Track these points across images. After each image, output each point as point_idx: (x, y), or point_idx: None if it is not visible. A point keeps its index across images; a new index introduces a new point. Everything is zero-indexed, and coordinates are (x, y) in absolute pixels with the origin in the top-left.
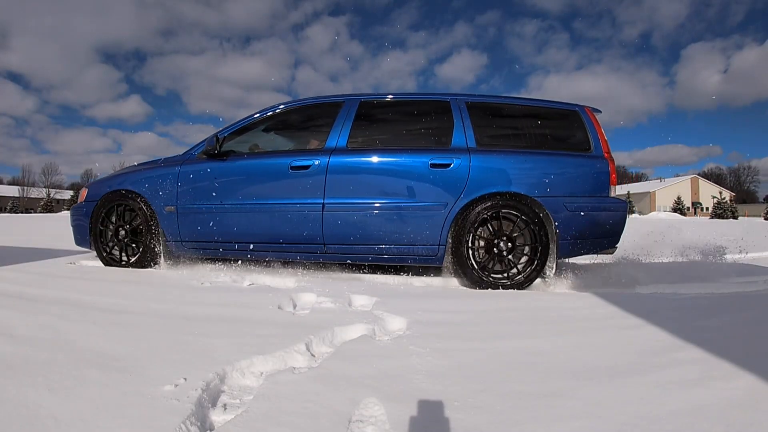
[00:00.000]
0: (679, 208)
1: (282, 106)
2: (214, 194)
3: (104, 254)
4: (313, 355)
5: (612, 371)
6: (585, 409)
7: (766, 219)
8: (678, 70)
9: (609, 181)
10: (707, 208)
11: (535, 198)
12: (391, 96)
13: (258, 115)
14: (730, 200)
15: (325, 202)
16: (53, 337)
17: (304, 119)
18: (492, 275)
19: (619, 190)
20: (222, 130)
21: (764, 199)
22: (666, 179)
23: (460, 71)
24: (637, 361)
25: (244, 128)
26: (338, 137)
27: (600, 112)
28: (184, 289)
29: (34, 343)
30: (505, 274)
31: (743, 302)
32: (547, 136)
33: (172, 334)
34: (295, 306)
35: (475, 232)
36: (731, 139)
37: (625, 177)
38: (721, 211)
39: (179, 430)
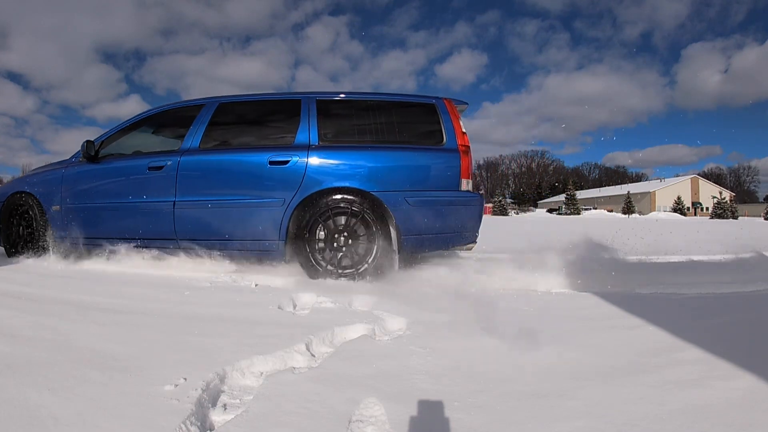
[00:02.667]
0: (679, 208)
1: (153, 111)
2: (88, 194)
3: (8, 247)
4: (313, 355)
5: (612, 371)
6: (585, 409)
7: (766, 219)
8: (678, 70)
9: (459, 174)
10: (707, 208)
11: (373, 193)
12: (248, 97)
13: (131, 120)
14: (730, 200)
15: (176, 200)
16: (53, 337)
17: (176, 122)
18: (329, 268)
19: (620, 190)
20: (100, 135)
21: (764, 199)
22: (666, 179)
23: (461, 71)
24: (637, 361)
25: (119, 132)
26: (192, 138)
27: (466, 104)
28: (184, 289)
29: (34, 343)
30: (344, 268)
31: (743, 302)
32: (397, 130)
33: (172, 334)
34: (295, 306)
35: (312, 226)
36: (731, 139)
37: (625, 177)
38: (721, 211)
39: (179, 430)
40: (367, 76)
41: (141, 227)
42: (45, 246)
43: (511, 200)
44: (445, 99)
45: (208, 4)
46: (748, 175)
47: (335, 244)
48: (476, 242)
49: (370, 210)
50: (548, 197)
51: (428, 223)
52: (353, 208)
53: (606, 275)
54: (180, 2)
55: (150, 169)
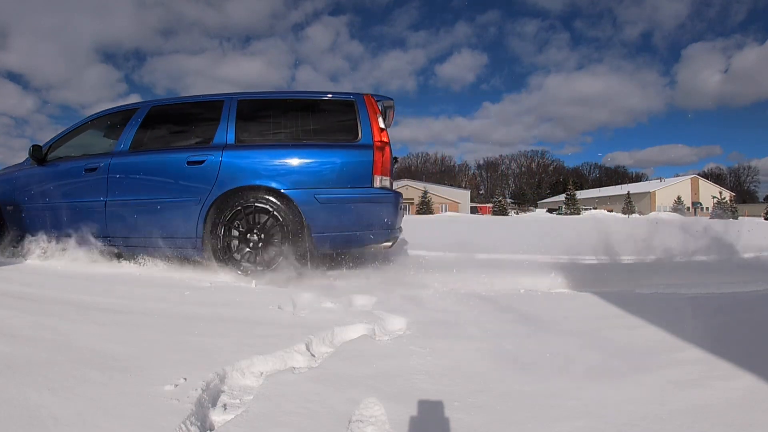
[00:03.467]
0: (679, 208)
1: (96, 115)
2: (36, 195)
3: None
4: (313, 355)
5: (612, 371)
6: (585, 409)
7: (766, 219)
8: (678, 70)
9: (371, 170)
10: (707, 208)
11: (283, 191)
12: (179, 99)
13: (76, 124)
14: (730, 200)
15: (107, 200)
16: (53, 337)
17: (115, 125)
18: (244, 264)
19: (619, 190)
20: (49, 140)
21: (764, 199)
22: (666, 179)
23: (461, 71)
24: (637, 361)
25: (66, 136)
26: (124, 141)
27: (389, 99)
28: (184, 289)
29: (34, 343)
30: (256, 264)
31: (743, 302)
32: (314, 128)
33: (172, 334)
34: (295, 306)
35: (225, 224)
36: (731, 139)
37: (625, 177)
38: (721, 211)
39: (179, 430)
40: (367, 76)
41: (79, 226)
42: (3, 243)
43: (511, 200)
44: (366, 95)
45: (208, 3)
46: (748, 175)
47: (247, 241)
48: (395, 240)
49: (281, 208)
50: (548, 197)
51: (339, 221)
52: (264, 207)
53: None
54: (180, 2)
55: (86, 171)
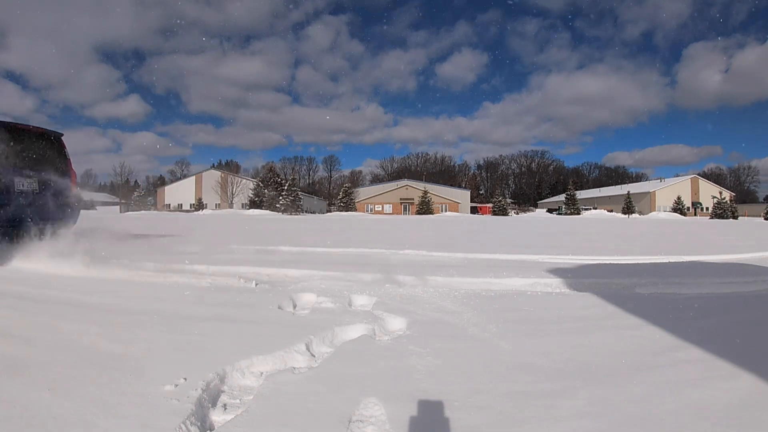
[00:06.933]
0: (679, 208)
1: None
2: None
3: None
4: (313, 355)
5: (612, 371)
6: (585, 409)
7: (766, 219)
8: (679, 70)
9: None
10: (707, 208)
11: None
12: None
13: None
14: (730, 200)
15: None
16: (53, 337)
17: None
18: None
19: (619, 190)
20: None
21: (764, 199)
22: (666, 179)
23: (461, 70)
24: (637, 361)
25: None
26: None
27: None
28: (184, 289)
29: (34, 343)
30: None
31: (743, 302)
32: None
33: (172, 334)
34: (295, 306)
35: None
36: (732, 139)
37: (625, 177)
38: (721, 211)
39: (179, 430)
40: (367, 76)
41: None
42: None
43: (511, 200)
44: None
45: (208, 3)
46: (748, 175)
47: None
48: None
49: None
50: (548, 197)
51: None
52: None
53: None
54: (180, 1)
55: None
